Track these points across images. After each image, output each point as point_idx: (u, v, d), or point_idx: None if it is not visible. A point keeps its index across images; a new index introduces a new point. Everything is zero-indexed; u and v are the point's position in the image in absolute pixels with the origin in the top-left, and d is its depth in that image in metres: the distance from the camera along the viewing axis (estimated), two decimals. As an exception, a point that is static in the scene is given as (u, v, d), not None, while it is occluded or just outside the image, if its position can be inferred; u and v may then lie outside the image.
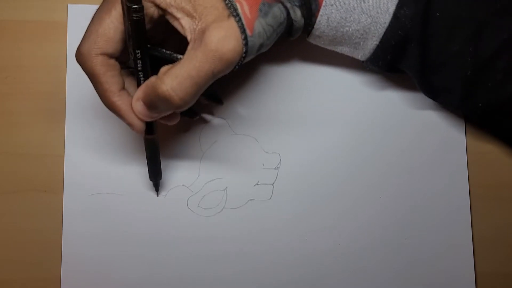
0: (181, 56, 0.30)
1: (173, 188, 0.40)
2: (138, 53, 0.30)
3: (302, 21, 0.33)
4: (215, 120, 0.41)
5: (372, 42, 0.35)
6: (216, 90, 0.40)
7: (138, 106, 0.31)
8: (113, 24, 0.30)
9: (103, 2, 0.31)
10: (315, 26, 0.34)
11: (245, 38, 0.29)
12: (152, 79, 0.30)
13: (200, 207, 0.40)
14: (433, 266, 0.41)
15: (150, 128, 0.34)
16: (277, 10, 0.31)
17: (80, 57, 0.31)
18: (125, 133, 0.40)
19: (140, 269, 0.40)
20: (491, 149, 0.42)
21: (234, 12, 0.29)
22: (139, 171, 0.40)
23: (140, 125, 0.32)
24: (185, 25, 0.30)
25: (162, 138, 0.40)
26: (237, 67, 0.31)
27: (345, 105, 0.42)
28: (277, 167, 0.41)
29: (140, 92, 0.31)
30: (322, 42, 0.36)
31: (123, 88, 0.32)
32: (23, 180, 0.40)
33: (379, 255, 0.41)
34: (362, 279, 0.41)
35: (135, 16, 0.28)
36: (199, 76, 0.29)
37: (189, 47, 0.29)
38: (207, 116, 0.41)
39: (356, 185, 0.41)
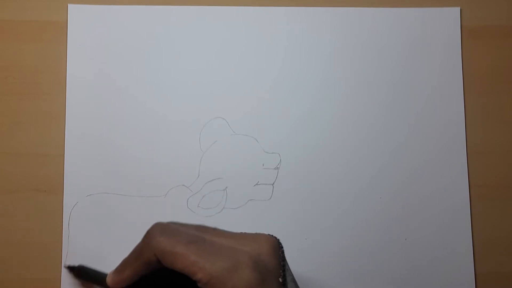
0: None
1: (173, 188, 0.40)
2: None
3: None
4: (215, 120, 0.41)
5: None
6: None
7: None
8: None
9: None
10: None
11: None
12: None
13: (200, 207, 0.40)
14: (433, 266, 0.41)
15: None
16: None
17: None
18: (125, 133, 0.40)
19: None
20: (491, 149, 0.42)
21: None
22: (139, 171, 0.40)
23: None
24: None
25: (160, 138, 0.40)
26: None
27: (345, 104, 0.42)
28: (277, 167, 0.41)
29: None
30: None
31: None
32: (23, 180, 0.40)
33: (379, 255, 0.41)
34: (362, 279, 0.41)
35: None
36: None
37: None
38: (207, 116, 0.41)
39: (356, 185, 0.41)
